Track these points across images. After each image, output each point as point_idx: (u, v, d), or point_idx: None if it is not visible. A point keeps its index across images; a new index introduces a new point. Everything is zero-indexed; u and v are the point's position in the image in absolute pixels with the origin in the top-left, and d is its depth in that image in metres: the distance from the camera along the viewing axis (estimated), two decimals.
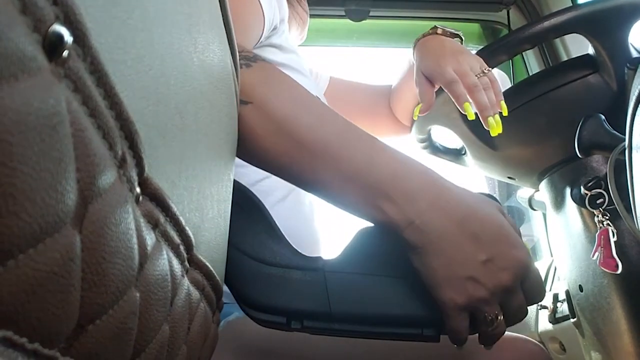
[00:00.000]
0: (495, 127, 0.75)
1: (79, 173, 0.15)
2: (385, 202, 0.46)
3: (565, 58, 1.34)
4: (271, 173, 0.51)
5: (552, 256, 1.17)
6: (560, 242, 0.88)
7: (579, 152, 0.70)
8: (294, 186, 0.52)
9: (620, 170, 0.54)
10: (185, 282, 0.30)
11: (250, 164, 0.51)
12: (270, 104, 0.48)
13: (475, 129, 0.84)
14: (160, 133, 0.23)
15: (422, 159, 0.52)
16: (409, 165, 0.48)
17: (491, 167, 0.94)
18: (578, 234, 0.81)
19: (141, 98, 0.21)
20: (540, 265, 1.20)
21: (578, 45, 1.25)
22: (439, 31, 0.85)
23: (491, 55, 0.81)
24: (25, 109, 0.13)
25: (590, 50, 0.78)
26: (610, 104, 0.75)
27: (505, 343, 0.61)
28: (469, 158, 0.95)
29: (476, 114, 0.76)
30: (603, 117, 0.69)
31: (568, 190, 0.81)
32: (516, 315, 0.47)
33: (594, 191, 0.76)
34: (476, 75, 0.76)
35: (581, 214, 0.80)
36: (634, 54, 0.75)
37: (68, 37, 0.14)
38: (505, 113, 0.77)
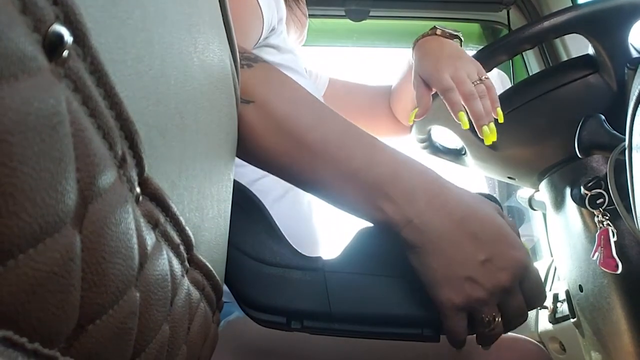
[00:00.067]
0: (489, 135, 0.75)
1: (79, 173, 0.15)
2: (385, 202, 0.46)
3: (565, 58, 1.34)
4: (271, 173, 0.51)
5: (552, 256, 1.17)
6: (560, 242, 0.88)
7: (579, 152, 0.70)
8: (291, 186, 0.52)
9: (620, 170, 0.54)
10: (185, 282, 0.30)
11: (250, 163, 0.51)
12: (271, 103, 0.48)
13: (475, 129, 0.84)
14: (160, 133, 0.23)
15: (422, 159, 0.52)
16: (409, 165, 0.48)
17: (491, 167, 0.94)
18: (578, 234, 0.81)
19: (141, 98, 0.21)
20: (540, 265, 1.20)
21: (578, 45, 1.25)
22: (439, 32, 0.85)
23: (491, 55, 0.81)
24: (25, 109, 0.13)
25: (590, 50, 0.78)
26: (610, 104, 0.75)
27: (504, 343, 0.61)
28: (469, 158, 0.95)
29: (471, 121, 0.76)
30: (603, 117, 0.69)
31: (568, 190, 0.82)
32: (515, 318, 0.47)
33: (594, 191, 0.76)
34: (473, 83, 0.76)
35: (581, 214, 0.80)
36: (634, 54, 0.75)
37: (68, 37, 0.14)
38: (501, 120, 0.77)
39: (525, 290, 0.47)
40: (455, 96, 0.75)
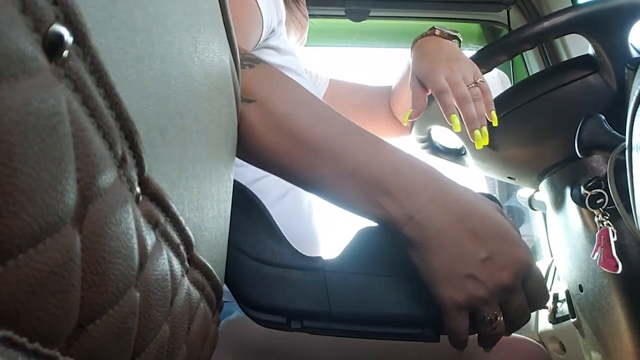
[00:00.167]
0: (480, 139, 0.75)
1: (79, 173, 0.15)
2: (385, 198, 0.46)
3: (565, 58, 1.34)
4: (271, 172, 0.51)
5: (552, 256, 1.17)
6: (560, 242, 0.88)
7: (579, 152, 0.70)
8: (292, 185, 0.52)
9: (620, 170, 0.54)
10: (185, 282, 0.30)
11: (251, 163, 0.51)
12: (272, 103, 0.48)
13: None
14: (160, 133, 0.23)
15: (422, 159, 0.52)
16: (410, 163, 0.48)
17: (491, 167, 0.94)
18: (578, 234, 0.81)
19: (141, 98, 0.21)
20: (540, 265, 1.20)
21: (578, 45, 1.25)
22: (437, 32, 0.85)
23: (491, 55, 0.81)
24: (25, 109, 0.13)
25: (590, 50, 0.78)
26: (610, 104, 0.75)
27: (504, 343, 0.61)
28: (469, 158, 0.95)
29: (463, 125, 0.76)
30: (603, 117, 0.69)
31: (568, 190, 0.82)
32: (518, 318, 0.47)
33: (594, 191, 0.76)
34: (468, 85, 0.76)
35: (581, 214, 0.80)
36: (634, 54, 0.75)
37: (68, 37, 0.14)
38: (495, 124, 0.77)
39: (528, 289, 0.46)
40: (449, 98, 0.75)
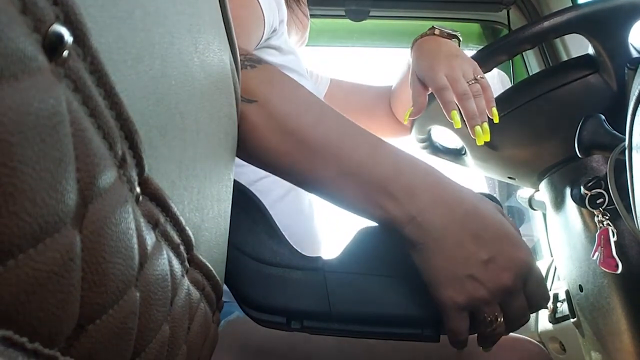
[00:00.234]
0: (481, 136, 0.75)
1: (79, 173, 0.15)
2: (386, 199, 0.46)
3: (565, 58, 1.34)
4: (272, 172, 0.51)
5: (552, 256, 1.17)
6: (560, 242, 0.88)
7: (579, 152, 0.70)
8: (292, 185, 0.52)
9: (620, 170, 0.54)
10: (185, 282, 0.30)
11: (252, 163, 0.51)
12: (273, 103, 0.48)
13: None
14: (160, 133, 0.23)
15: (423, 159, 0.52)
16: (411, 163, 0.48)
17: (491, 167, 0.94)
18: (578, 234, 0.81)
19: (141, 98, 0.21)
20: (540, 265, 1.20)
21: (578, 45, 1.25)
22: (437, 32, 0.85)
23: (491, 55, 0.81)
24: (25, 109, 0.13)
25: (590, 50, 0.78)
26: (610, 104, 0.75)
27: (505, 343, 0.61)
28: (469, 158, 0.95)
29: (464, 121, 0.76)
30: (603, 117, 0.69)
31: (568, 190, 0.82)
32: (517, 319, 0.47)
33: (594, 191, 0.76)
34: (468, 82, 0.75)
35: (581, 214, 0.80)
36: (634, 54, 0.75)
37: (68, 37, 0.14)
38: (496, 120, 0.77)
39: (528, 291, 0.46)
40: (449, 95, 0.75)
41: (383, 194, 0.46)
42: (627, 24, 0.75)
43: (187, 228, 0.28)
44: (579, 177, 0.79)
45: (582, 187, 0.77)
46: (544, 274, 1.15)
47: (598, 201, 0.75)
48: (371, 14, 1.49)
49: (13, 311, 0.13)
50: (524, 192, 1.08)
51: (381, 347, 0.63)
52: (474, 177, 1.55)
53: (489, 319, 0.45)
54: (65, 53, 0.14)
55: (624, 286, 0.75)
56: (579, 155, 0.71)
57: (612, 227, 0.74)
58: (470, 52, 0.85)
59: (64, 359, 0.16)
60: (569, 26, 0.76)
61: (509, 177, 0.94)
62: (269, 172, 0.51)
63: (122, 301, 0.19)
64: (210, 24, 0.34)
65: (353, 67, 1.88)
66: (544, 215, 1.27)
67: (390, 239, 0.48)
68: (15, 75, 0.12)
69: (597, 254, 0.74)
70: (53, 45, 0.14)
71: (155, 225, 0.24)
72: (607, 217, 0.75)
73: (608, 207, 0.74)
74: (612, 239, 0.73)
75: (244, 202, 0.52)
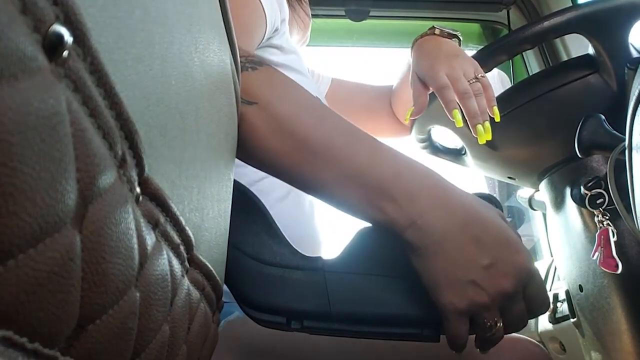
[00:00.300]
0: (483, 134, 0.75)
1: (79, 173, 0.15)
2: (387, 202, 0.46)
3: (565, 58, 1.34)
4: (272, 174, 0.51)
5: (552, 256, 1.17)
6: (560, 242, 0.88)
7: (579, 152, 0.70)
8: None
9: (620, 170, 0.54)
10: (185, 282, 0.30)
11: (251, 165, 0.51)
12: (274, 105, 0.48)
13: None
14: (161, 133, 0.23)
15: (422, 159, 0.52)
16: (411, 167, 0.48)
17: (491, 167, 0.94)
18: (578, 234, 0.81)
19: (141, 98, 0.21)
20: (540, 265, 1.20)
21: (578, 45, 1.25)
22: (437, 32, 0.85)
23: (491, 55, 0.81)
24: (25, 109, 0.13)
25: (590, 50, 0.78)
26: (610, 104, 0.75)
27: (505, 343, 0.61)
28: (469, 158, 0.95)
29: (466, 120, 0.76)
30: (603, 117, 0.69)
31: (568, 190, 0.82)
32: (516, 323, 0.47)
33: (594, 191, 0.76)
34: (469, 81, 0.75)
35: (581, 214, 0.80)
36: (634, 54, 0.75)
37: (68, 37, 0.14)
38: (497, 119, 0.77)
39: (528, 296, 0.46)
40: (450, 94, 0.75)
41: (383, 196, 0.46)
42: (627, 24, 0.75)
43: (187, 228, 0.28)
44: (579, 177, 0.79)
45: (582, 187, 0.77)
46: (544, 274, 1.15)
47: (598, 201, 0.75)
48: (371, 14, 1.49)
49: (13, 311, 0.13)
50: (524, 192, 1.08)
51: (381, 347, 0.63)
52: (474, 177, 1.55)
53: (489, 323, 0.45)
54: (65, 53, 0.14)
55: (624, 286, 0.75)
56: (579, 155, 0.71)
57: (612, 227, 0.74)
58: (470, 52, 0.85)
59: (64, 359, 0.16)
60: (569, 26, 0.76)
61: (509, 177, 0.94)
62: (269, 173, 0.51)
63: (122, 301, 0.19)
64: (210, 24, 0.34)
65: (353, 67, 1.89)
66: (544, 215, 1.27)
67: (390, 239, 0.48)
68: (15, 75, 0.12)
69: (597, 254, 0.74)
70: (53, 45, 0.14)
71: (155, 225, 0.24)
72: (607, 217, 0.75)
73: (608, 207, 0.74)
74: (612, 239, 0.73)
75: (244, 202, 0.52)
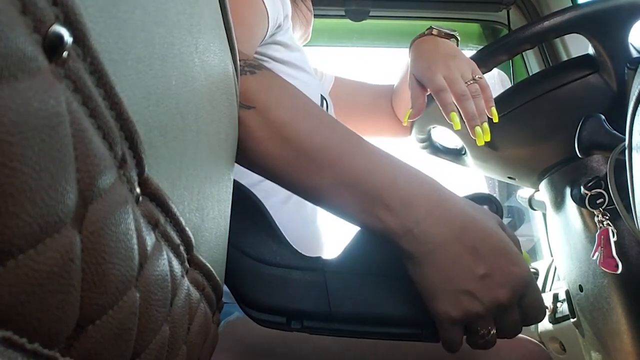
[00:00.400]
0: (481, 136, 0.74)
1: (79, 173, 0.15)
2: (383, 210, 0.45)
3: (565, 58, 1.34)
4: (269, 179, 0.51)
5: (552, 256, 1.17)
6: (560, 242, 0.88)
7: (579, 152, 0.70)
8: None
9: (620, 170, 0.54)
10: (185, 282, 0.30)
11: (249, 169, 0.51)
12: (271, 110, 0.48)
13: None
14: (161, 133, 0.23)
15: (422, 160, 0.52)
16: (409, 174, 0.47)
17: (491, 167, 0.94)
18: (578, 234, 0.81)
19: (141, 98, 0.21)
20: (540, 265, 1.20)
21: (578, 45, 1.25)
22: (435, 32, 0.85)
23: (491, 55, 0.81)
24: (25, 109, 0.13)
25: (590, 50, 0.78)
26: (610, 104, 0.75)
27: (505, 343, 0.61)
28: (469, 158, 0.95)
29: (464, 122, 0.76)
30: (603, 117, 0.69)
31: (568, 190, 0.82)
32: (509, 331, 0.47)
33: (594, 191, 0.76)
34: (467, 82, 0.75)
35: (581, 214, 0.80)
36: (634, 54, 0.75)
37: (68, 38, 0.14)
38: (495, 120, 0.77)
39: (524, 306, 0.46)
40: (447, 96, 0.75)
41: (379, 204, 0.45)
42: (627, 24, 0.75)
43: (187, 228, 0.28)
44: (579, 177, 0.79)
45: (582, 187, 0.77)
46: (544, 274, 1.15)
47: (598, 201, 0.75)
48: (371, 14, 1.49)
49: (13, 312, 0.13)
50: (524, 192, 1.08)
51: (381, 347, 0.63)
52: (474, 177, 1.55)
53: (482, 332, 0.45)
54: (65, 53, 0.14)
55: (624, 286, 0.75)
56: (579, 155, 0.71)
57: (612, 227, 0.74)
58: (470, 52, 0.85)
59: (64, 359, 0.16)
60: (569, 26, 0.76)
61: (509, 177, 0.94)
62: (266, 178, 0.51)
63: (122, 302, 0.19)
64: (210, 25, 0.34)
65: (353, 67, 1.89)
66: (544, 215, 1.27)
67: (388, 239, 0.48)
68: (15, 75, 0.12)
69: (597, 254, 0.74)
70: (53, 46, 0.14)
71: (155, 225, 0.24)
72: (607, 217, 0.75)
73: (608, 207, 0.75)
74: (612, 239, 0.73)
75: (244, 202, 0.52)
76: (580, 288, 0.83)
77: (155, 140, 0.22)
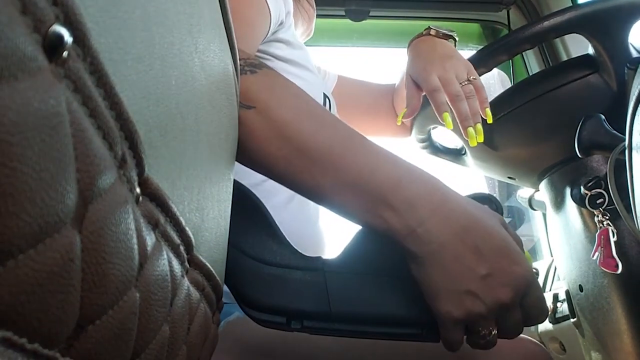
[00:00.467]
0: (474, 137, 0.74)
1: (79, 173, 0.15)
2: (386, 210, 0.45)
3: (565, 58, 1.34)
4: (271, 178, 0.50)
5: (552, 256, 1.17)
6: (560, 242, 0.88)
7: (579, 152, 0.70)
8: None
9: (620, 170, 0.54)
10: (185, 282, 0.30)
11: (251, 168, 0.51)
12: (273, 109, 0.48)
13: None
14: (161, 133, 0.23)
15: (422, 160, 0.52)
16: (412, 173, 0.47)
17: (491, 167, 0.94)
18: (578, 234, 0.81)
19: (141, 98, 0.21)
20: (540, 265, 1.20)
21: (578, 45, 1.25)
22: (432, 32, 0.85)
23: (491, 55, 0.81)
24: (25, 109, 0.13)
25: (590, 50, 0.78)
26: (610, 104, 0.75)
27: (505, 343, 0.61)
28: (469, 158, 0.95)
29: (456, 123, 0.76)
30: (603, 117, 0.69)
31: (568, 190, 0.82)
32: (510, 332, 0.47)
33: (594, 191, 0.76)
34: (461, 83, 0.75)
35: (581, 214, 0.80)
36: (634, 54, 0.75)
37: (68, 38, 0.14)
38: (489, 120, 0.77)
39: (525, 306, 0.46)
40: (441, 97, 0.75)
41: (382, 204, 0.45)
42: (627, 24, 0.75)
43: (187, 228, 0.28)
44: (579, 177, 0.79)
45: (582, 187, 0.77)
46: (543, 274, 1.15)
47: (598, 201, 0.75)
48: (371, 14, 1.49)
49: (13, 312, 0.13)
50: (524, 192, 1.08)
51: (380, 347, 0.63)
52: (474, 177, 1.55)
53: (483, 332, 0.45)
54: (65, 53, 0.14)
55: (624, 286, 0.75)
56: (579, 155, 0.71)
57: (612, 227, 0.74)
58: (470, 52, 0.85)
59: (64, 359, 0.16)
60: (569, 26, 0.76)
61: (509, 177, 0.94)
62: (268, 177, 0.51)
63: (122, 302, 0.19)
64: (210, 25, 0.34)
65: (353, 67, 1.88)
66: (544, 215, 1.27)
67: (391, 239, 0.48)
68: (15, 75, 0.12)
69: (597, 254, 0.74)
70: (53, 46, 0.14)
71: (155, 225, 0.23)
72: (607, 217, 0.75)
73: (608, 207, 0.75)
74: (612, 239, 0.73)
75: (244, 202, 0.52)
76: (580, 288, 0.83)
77: (155, 140, 0.22)
